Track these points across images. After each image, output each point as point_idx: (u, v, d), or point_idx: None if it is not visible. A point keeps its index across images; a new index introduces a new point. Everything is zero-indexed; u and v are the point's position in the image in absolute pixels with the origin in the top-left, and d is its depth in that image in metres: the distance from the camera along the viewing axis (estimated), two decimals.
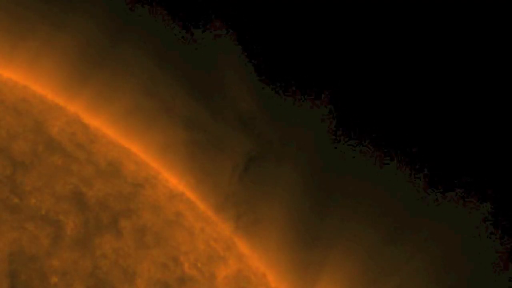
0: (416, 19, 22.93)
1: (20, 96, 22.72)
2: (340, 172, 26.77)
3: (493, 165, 23.54)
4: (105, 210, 19.90)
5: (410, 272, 26.68)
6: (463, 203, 24.53)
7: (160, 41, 27.25)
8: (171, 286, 19.70)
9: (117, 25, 26.88)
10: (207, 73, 27.57)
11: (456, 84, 23.40)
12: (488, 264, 24.76)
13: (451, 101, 23.78)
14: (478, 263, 24.84)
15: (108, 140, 25.38)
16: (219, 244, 25.37)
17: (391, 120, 25.03)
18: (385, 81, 24.46)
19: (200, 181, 27.80)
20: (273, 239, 28.26)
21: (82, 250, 17.40)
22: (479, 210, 24.36)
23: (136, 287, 18.42)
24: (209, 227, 25.81)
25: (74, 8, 26.49)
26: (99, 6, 26.52)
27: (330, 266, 27.63)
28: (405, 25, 23.22)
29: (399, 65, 24.18)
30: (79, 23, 26.64)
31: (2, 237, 15.54)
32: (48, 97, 24.73)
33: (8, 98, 21.80)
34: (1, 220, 15.88)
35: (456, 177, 24.18)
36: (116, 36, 27.05)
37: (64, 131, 22.48)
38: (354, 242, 27.01)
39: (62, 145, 21.22)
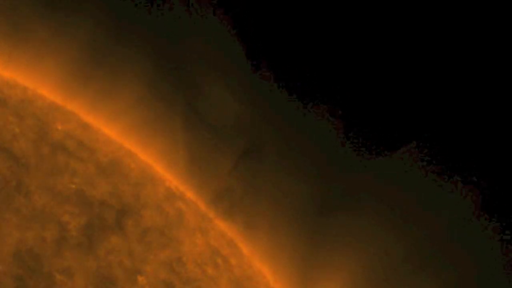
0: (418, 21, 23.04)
1: (21, 96, 22.69)
2: (343, 171, 26.79)
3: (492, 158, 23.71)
4: (108, 210, 19.90)
5: (412, 270, 26.75)
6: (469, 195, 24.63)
7: (160, 41, 27.23)
8: (175, 285, 19.72)
9: (118, 25, 26.84)
10: (208, 72, 27.58)
11: (452, 80, 23.53)
12: (492, 262, 24.85)
13: (447, 96, 23.92)
14: (484, 262, 24.94)
15: (109, 139, 25.37)
16: (221, 243, 25.41)
17: (394, 115, 25.12)
18: (387, 76, 24.55)
19: (201, 181, 27.80)
20: (274, 239, 28.29)
21: (86, 249, 17.40)
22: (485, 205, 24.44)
23: (140, 286, 18.43)
24: (210, 227, 25.85)
25: (74, 8, 26.44)
26: (99, 5, 26.47)
27: (332, 266, 27.66)
28: (405, 26, 23.33)
29: (398, 64, 24.28)
30: (79, 23, 26.58)
31: (7, 237, 15.52)
32: (49, 97, 24.69)
33: (10, 99, 21.76)
34: (5, 220, 15.86)
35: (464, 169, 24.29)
36: (116, 36, 27.01)
37: (66, 131, 22.46)
38: (358, 242, 27.03)
39: (65, 145, 21.21)
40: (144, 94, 28.14)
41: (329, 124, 26.46)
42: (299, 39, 25.29)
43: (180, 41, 27.30)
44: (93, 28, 26.83)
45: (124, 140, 26.49)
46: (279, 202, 28.23)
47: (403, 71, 24.25)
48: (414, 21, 22.96)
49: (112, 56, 27.41)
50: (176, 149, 28.49)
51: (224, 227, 26.88)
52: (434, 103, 24.11)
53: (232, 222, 27.38)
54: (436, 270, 26.31)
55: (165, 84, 28.06)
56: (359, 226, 26.86)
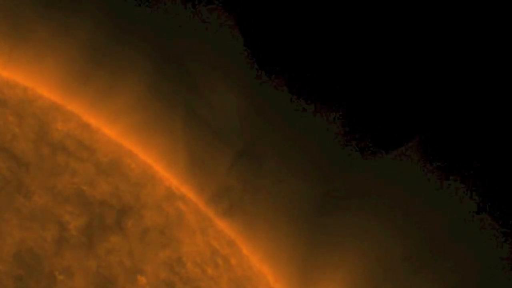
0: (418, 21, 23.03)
1: (21, 96, 22.66)
2: (343, 171, 26.79)
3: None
4: (108, 210, 19.88)
5: (412, 270, 26.73)
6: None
7: (160, 41, 27.23)
8: (175, 285, 19.69)
9: (118, 25, 26.84)
10: (208, 72, 27.57)
11: (452, 81, 23.52)
12: (492, 262, 24.84)
13: (448, 97, 23.92)
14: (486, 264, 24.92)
15: (109, 139, 25.34)
16: (221, 244, 25.38)
17: (394, 116, 25.12)
18: (387, 76, 24.55)
19: (201, 180, 27.79)
20: (274, 239, 28.28)
21: (87, 249, 17.37)
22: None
23: (141, 286, 18.40)
24: (210, 226, 25.83)
25: (74, 8, 26.44)
26: (99, 5, 26.47)
27: (332, 266, 27.66)
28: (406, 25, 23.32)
29: (398, 65, 24.28)
30: (79, 23, 26.58)
31: (8, 237, 15.50)
32: (49, 97, 24.67)
33: (10, 99, 21.73)
34: (6, 220, 15.83)
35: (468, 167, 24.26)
36: (116, 36, 27.01)
37: (66, 131, 22.44)
38: (358, 242, 27.03)
39: (65, 145, 21.18)
40: (144, 94, 28.15)
41: (329, 124, 26.46)
42: (299, 39, 25.29)
43: (180, 41, 27.30)
44: (93, 28, 26.84)
45: (124, 140, 26.48)
46: (279, 202, 28.23)
47: (403, 72, 24.25)
48: (413, 21, 22.97)
49: (112, 56, 27.41)
50: (176, 149, 28.49)
51: (224, 227, 26.87)
52: (434, 104, 24.13)
53: (232, 222, 27.38)
54: (436, 270, 26.30)
55: (165, 84, 28.07)
56: (359, 226, 26.86)
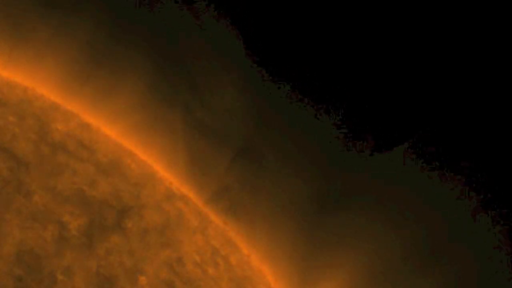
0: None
1: (21, 96, 22.66)
2: (343, 171, 26.79)
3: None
4: (108, 210, 19.89)
5: (412, 270, 26.74)
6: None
7: (160, 41, 27.23)
8: (175, 285, 19.70)
9: (118, 25, 26.85)
10: (208, 72, 27.58)
11: (452, 80, 23.53)
12: (492, 262, 24.85)
13: (447, 96, 23.94)
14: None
15: (109, 139, 25.35)
16: (221, 244, 25.40)
17: (394, 115, 25.14)
18: (386, 76, 24.56)
19: (201, 180, 27.80)
20: (274, 239, 28.29)
21: (87, 249, 17.38)
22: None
23: (141, 286, 18.41)
24: (210, 227, 25.84)
25: (74, 8, 26.44)
26: (99, 5, 26.48)
27: (332, 266, 27.67)
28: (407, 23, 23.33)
29: (397, 64, 24.29)
30: (79, 23, 26.58)
31: (8, 237, 15.50)
32: (49, 97, 24.68)
33: (10, 99, 21.74)
34: (6, 220, 15.84)
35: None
36: (116, 36, 27.01)
37: (66, 131, 22.45)
38: (358, 241, 27.04)
39: (65, 145, 21.19)
40: (144, 94, 28.16)
41: (329, 124, 26.47)
42: (299, 39, 25.30)
43: (180, 41, 27.30)
44: (93, 28, 26.84)
45: (124, 140, 26.48)
46: (279, 202, 28.24)
47: (402, 71, 24.26)
48: (414, 22, 22.98)
49: (112, 56, 27.41)
50: (176, 149, 28.49)
51: (224, 227, 26.88)
52: (434, 103, 24.13)
53: (232, 221, 27.39)
54: (436, 270, 26.32)
55: (165, 84, 28.07)
56: (359, 225, 26.88)
